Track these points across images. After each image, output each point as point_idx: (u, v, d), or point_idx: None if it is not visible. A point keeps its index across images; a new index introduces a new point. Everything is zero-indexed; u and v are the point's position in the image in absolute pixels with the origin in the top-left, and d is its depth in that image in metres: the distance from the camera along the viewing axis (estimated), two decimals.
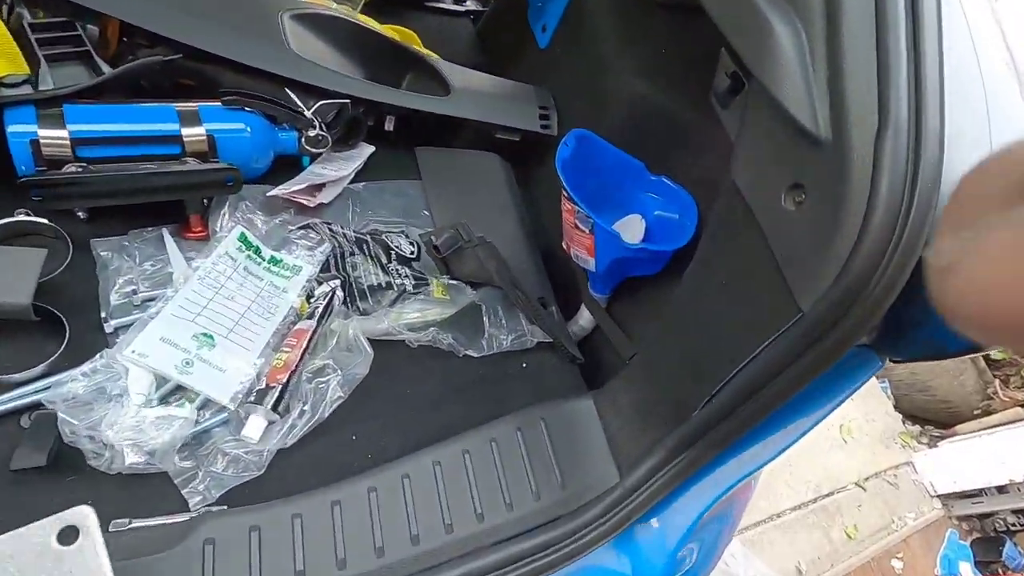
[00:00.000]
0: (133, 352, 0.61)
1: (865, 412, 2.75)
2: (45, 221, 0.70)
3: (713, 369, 0.62)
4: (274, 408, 0.65)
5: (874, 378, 2.95)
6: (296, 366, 0.68)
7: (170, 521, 0.58)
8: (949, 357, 0.54)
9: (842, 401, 0.68)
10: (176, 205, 0.75)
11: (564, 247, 0.89)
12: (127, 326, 0.66)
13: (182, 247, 0.75)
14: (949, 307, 0.12)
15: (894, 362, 0.60)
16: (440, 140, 1.06)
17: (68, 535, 0.39)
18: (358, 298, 0.81)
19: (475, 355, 0.82)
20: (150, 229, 0.75)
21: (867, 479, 2.55)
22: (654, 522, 0.68)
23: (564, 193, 0.80)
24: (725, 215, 0.64)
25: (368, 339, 0.75)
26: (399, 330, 0.78)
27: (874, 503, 2.48)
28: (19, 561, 0.37)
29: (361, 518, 0.58)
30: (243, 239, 0.76)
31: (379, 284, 0.83)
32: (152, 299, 0.69)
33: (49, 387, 0.61)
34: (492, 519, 0.63)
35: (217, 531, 0.56)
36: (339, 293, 0.77)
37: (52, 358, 0.63)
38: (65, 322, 0.66)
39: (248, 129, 0.80)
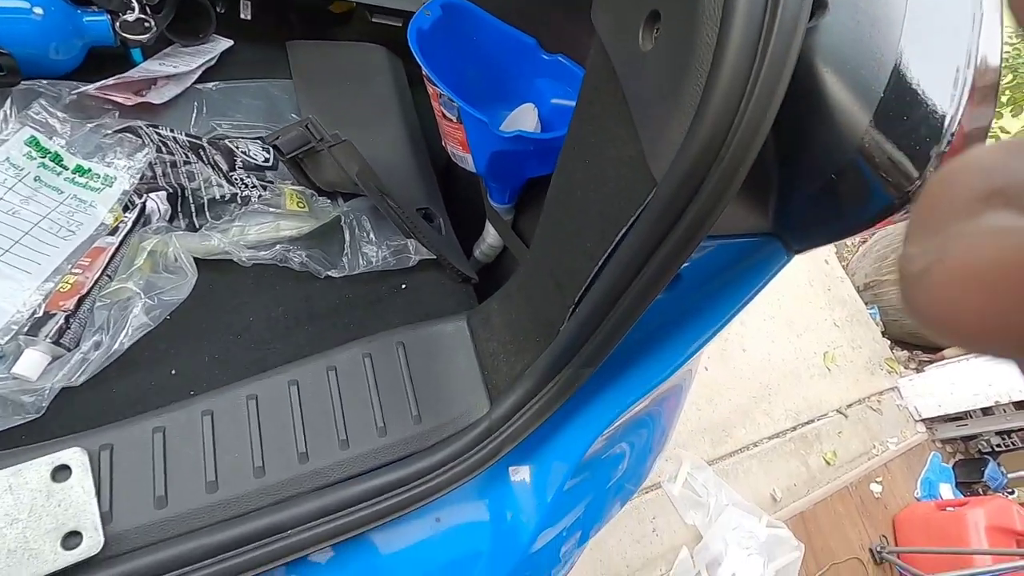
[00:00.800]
0: None
1: (851, 339, 2.65)
2: None
3: (574, 273, 0.50)
4: (57, 341, 0.54)
5: (862, 305, 2.84)
6: (89, 290, 0.57)
7: None
8: (852, 235, 0.41)
9: (747, 301, 0.56)
10: None
11: (444, 146, 0.75)
12: None
13: None
14: (922, 313, 0.12)
15: (798, 252, 0.47)
16: (319, 32, 0.91)
17: (62, 472, 0.44)
18: (194, 213, 0.68)
19: (337, 276, 0.70)
20: None
21: (849, 406, 2.48)
22: (525, 471, 0.58)
23: (424, 75, 0.65)
24: (589, 74, 0.50)
25: (195, 258, 0.64)
26: (235, 248, 0.65)
27: (855, 430, 2.42)
28: (17, 494, 0.41)
29: (141, 463, 0.48)
30: (34, 144, 0.63)
31: (222, 197, 0.70)
32: None
33: None
34: (318, 461, 0.53)
35: None
36: (159, 206, 0.65)
37: None
38: None
39: (37, 10, 0.65)
